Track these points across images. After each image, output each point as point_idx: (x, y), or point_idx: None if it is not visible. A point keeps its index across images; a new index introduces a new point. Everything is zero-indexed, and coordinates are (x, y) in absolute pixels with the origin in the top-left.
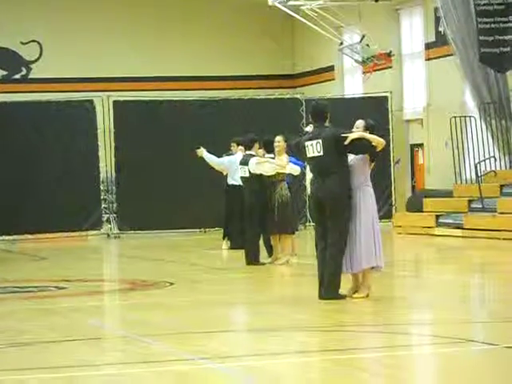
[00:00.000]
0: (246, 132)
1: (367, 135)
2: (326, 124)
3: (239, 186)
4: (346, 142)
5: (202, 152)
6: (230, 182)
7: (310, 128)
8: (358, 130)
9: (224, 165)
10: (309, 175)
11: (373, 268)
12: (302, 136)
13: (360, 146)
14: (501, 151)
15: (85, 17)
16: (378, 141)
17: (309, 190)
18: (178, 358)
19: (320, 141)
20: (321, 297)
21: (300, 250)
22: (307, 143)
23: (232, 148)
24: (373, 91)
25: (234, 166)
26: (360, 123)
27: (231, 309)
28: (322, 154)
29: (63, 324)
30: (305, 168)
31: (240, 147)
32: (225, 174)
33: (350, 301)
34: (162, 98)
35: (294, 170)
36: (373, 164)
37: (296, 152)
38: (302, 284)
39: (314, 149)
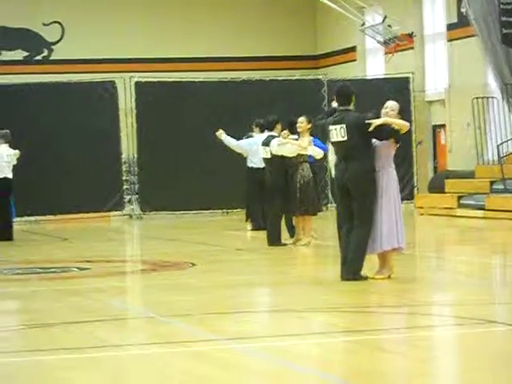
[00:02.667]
0: (268, 113)
1: (391, 120)
2: (351, 107)
3: (258, 168)
4: (370, 129)
5: (221, 134)
6: (250, 164)
7: (335, 103)
8: (392, 113)
9: (243, 148)
10: (331, 156)
11: (394, 249)
12: (327, 112)
13: (384, 131)
14: None
15: None
16: (402, 125)
17: (332, 172)
18: (200, 339)
19: (344, 126)
20: (343, 278)
21: (322, 231)
22: (331, 127)
23: (254, 130)
24: (395, 72)
25: (253, 149)
26: (394, 105)
27: (253, 289)
28: (345, 138)
29: (86, 305)
30: (327, 150)
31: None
32: (245, 156)
33: (371, 282)
34: (183, 79)
35: (317, 152)
36: (397, 145)
37: (321, 134)
38: (324, 265)
39: (338, 133)
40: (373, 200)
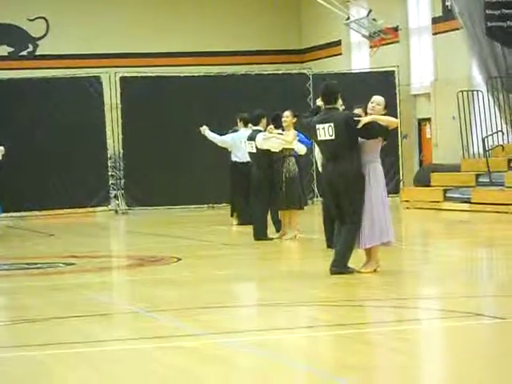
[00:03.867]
0: (253, 107)
1: (380, 117)
2: (337, 105)
3: (242, 162)
4: (358, 126)
5: (205, 130)
6: (234, 159)
7: (320, 101)
8: (379, 108)
9: (227, 143)
10: (317, 149)
11: (383, 244)
12: (312, 110)
13: (373, 130)
14: (508, 125)
15: None
16: (390, 121)
17: (319, 164)
18: (186, 334)
19: (332, 124)
20: (331, 271)
21: (308, 225)
22: (318, 126)
23: (238, 124)
24: (380, 66)
25: (236, 143)
26: (381, 100)
27: (239, 284)
28: (333, 137)
29: (72, 300)
30: (312, 145)
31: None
32: (230, 150)
33: (358, 275)
34: (168, 74)
35: (301, 149)
36: (385, 142)
37: (306, 131)
38: (310, 259)
39: (325, 132)
40: (362, 198)
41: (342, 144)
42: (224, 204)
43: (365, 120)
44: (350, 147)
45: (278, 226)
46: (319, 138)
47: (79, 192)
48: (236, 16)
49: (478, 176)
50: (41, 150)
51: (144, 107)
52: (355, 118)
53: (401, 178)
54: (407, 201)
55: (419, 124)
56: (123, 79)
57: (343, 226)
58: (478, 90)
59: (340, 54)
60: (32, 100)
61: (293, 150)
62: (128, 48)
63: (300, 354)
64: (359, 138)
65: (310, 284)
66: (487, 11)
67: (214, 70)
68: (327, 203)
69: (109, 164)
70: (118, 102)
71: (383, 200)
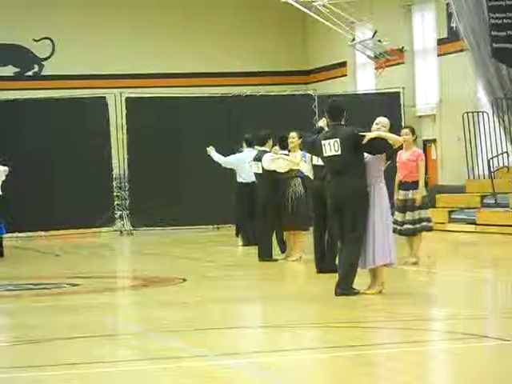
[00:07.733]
0: (259, 128)
1: (384, 134)
2: (343, 122)
3: (247, 183)
4: (363, 142)
5: (211, 151)
6: (239, 179)
7: (322, 122)
8: (384, 129)
9: (231, 164)
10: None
11: (386, 265)
12: (314, 130)
13: (378, 145)
14: None
15: (97, 14)
16: (394, 139)
17: None
18: (190, 355)
19: (338, 140)
20: (335, 292)
21: (313, 246)
22: (324, 142)
23: (243, 145)
24: (385, 87)
25: (241, 164)
26: (385, 122)
27: (244, 305)
28: (339, 152)
29: (77, 321)
30: None
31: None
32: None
33: (362, 297)
34: (174, 95)
35: (307, 169)
36: (388, 162)
37: (311, 150)
38: (315, 280)
39: (331, 148)
40: (365, 216)
41: (347, 159)
42: (229, 225)
43: (370, 135)
44: (356, 163)
45: (283, 246)
46: (325, 155)
47: (84, 212)
48: (241, 37)
49: (483, 197)
50: (46, 171)
51: (149, 128)
52: (361, 134)
53: None
54: None
55: (424, 145)
56: (129, 100)
57: (344, 247)
58: (483, 112)
59: (345, 75)
60: (37, 121)
61: (299, 170)
62: (134, 69)
63: (303, 375)
64: (365, 155)
65: (315, 305)
66: (493, 33)
67: (219, 91)
68: (331, 221)
69: (114, 184)
70: (124, 122)
71: (387, 221)
